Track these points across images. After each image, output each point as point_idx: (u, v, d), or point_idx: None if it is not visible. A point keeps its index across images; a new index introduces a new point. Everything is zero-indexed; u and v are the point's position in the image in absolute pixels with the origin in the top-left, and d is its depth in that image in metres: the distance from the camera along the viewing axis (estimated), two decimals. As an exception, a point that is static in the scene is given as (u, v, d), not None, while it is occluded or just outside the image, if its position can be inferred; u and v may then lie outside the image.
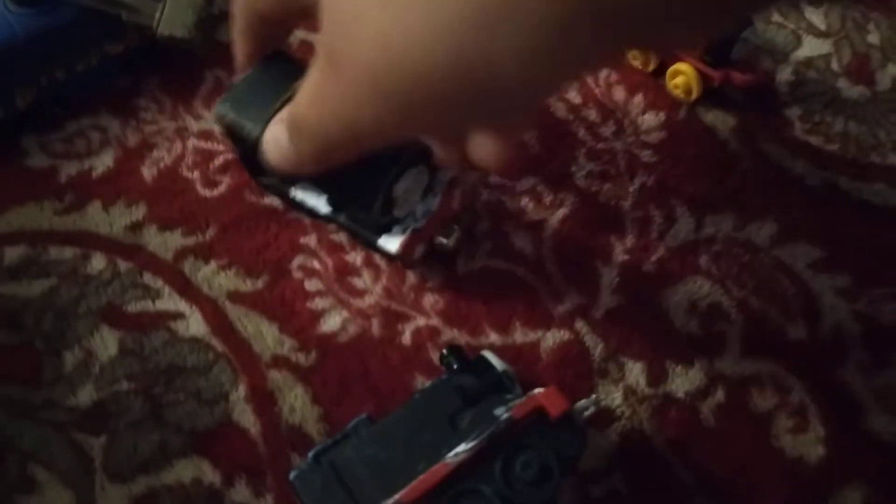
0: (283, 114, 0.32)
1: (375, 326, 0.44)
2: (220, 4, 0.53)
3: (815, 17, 0.55)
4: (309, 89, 0.28)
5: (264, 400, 0.42)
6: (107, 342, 0.44)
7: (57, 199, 0.48)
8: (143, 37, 0.50)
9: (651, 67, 0.52)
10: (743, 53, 0.48)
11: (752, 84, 0.49)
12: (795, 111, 0.51)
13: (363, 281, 0.45)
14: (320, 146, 0.29)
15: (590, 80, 0.52)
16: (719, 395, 0.42)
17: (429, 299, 0.45)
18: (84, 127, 0.51)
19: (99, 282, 0.45)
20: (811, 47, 0.53)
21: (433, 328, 0.44)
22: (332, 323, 0.44)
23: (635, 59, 0.52)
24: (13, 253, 0.47)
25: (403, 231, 0.41)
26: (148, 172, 0.49)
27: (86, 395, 0.42)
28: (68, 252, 0.47)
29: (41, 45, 0.47)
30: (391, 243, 0.41)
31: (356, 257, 0.46)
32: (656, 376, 0.43)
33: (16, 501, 0.40)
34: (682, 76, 0.50)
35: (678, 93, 0.51)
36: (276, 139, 0.32)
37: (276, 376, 0.43)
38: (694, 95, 0.50)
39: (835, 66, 0.53)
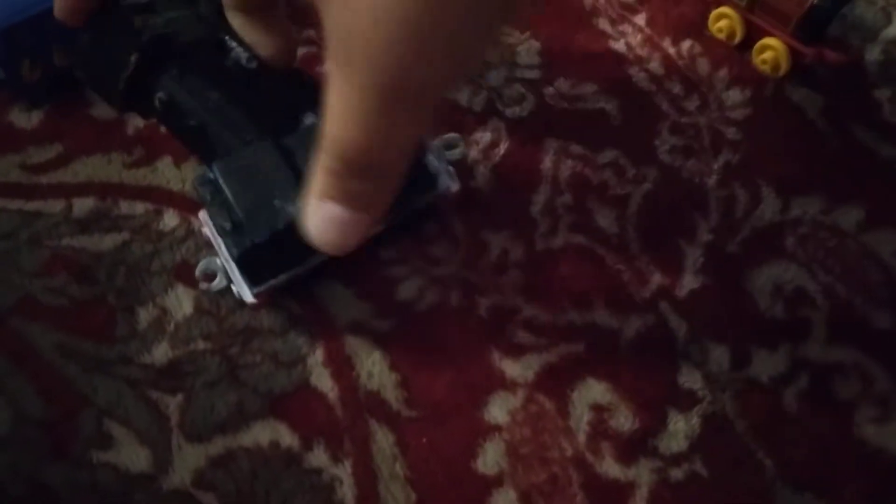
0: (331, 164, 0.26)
1: (454, 297, 0.43)
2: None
3: (906, -6, 0.53)
4: (356, 117, 0.24)
5: (342, 364, 0.42)
6: (181, 300, 0.43)
7: (125, 152, 0.48)
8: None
9: (737, 40, 0.50)
10: (838, 31, 0.47)
11: (845, 63, 0.47)
12: (885, 92, 0.49)
13: (439, 249, 0.45)
14: (386, 157, 0.26)
15: (673, 51, 0.51)
16: (802, 381, 0.41)
17: (508, 274, 0.44)
18: (152, 78, 0.50)
19: (172, 239, 0.45)
20: (902, 26, 0.52)
21: (513, 304, 0.43)
22: (409, 290, 0.43)
23: (720, 32, 0.50)
24: (82, 205, 0.46)
25: None
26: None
27: (161, 353, 0.42)
28: (139, 207, 0.46)
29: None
30: None
31: (431, 227, 0.45)
32: (739, 360, 0.42)
33: (92, 457, 0.39)
34: (771, 51, 0.48)
35: (765, 68, 0.49)
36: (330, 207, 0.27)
37: (353, 341, 0.42)
38: (782, 72, 0.49)
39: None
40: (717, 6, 0.50)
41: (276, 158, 0.39)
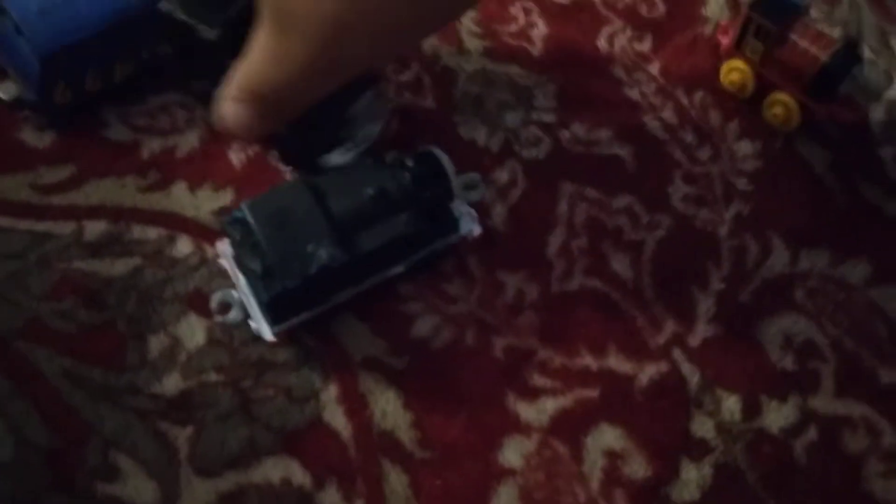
0: (237, 91, 0.32)
1: (469, 336, 0.43)
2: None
3: (909, 57, 0.55)
4: (267, 57, 0.30)
5: (356, 402, 0.41)
6: (194, 330, 0.42)
7: (140, 176, 0.47)
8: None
9: (747, 93, 0.51)
10: (848, 89, 0.48)
11: (854, 121, 0.49)
12: (888, 151, 0.51)
13: (455, 288, 0.45)
14: (289, 102, 0.32)
15: (686, 101, 0.52)
16: (812, 433, 0.42)
17: (523, 316, 0.44)
18: (168, 103, 0.49)
19: (186, 266, 0.44)
20: (905, 87, 0.53)
21: (528, 346, 0.43)
22: (424, 328, 0.43)
23: (732, 85, 0.52)
24: (94, 228, 0.45)
25: (347, 151, 0.42)
26: (236, 157, 0.48)
27: (171, 384, 0.41)
28: (153, 232, 0.45)
29: (153, 18, 0.46)
30: (337, 159, 0.43)
31: (447, 265, 0.45)
32: (751, 410, 0.42)
33: (97, 489, 0.38)
34: (781, 106, 0.50)
35: (775, 122, 0.50)
36: (236, 115, 0.32)
37: (367, 378, 0.42)
38: (792, 126, 0.50)
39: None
40: (730, 59, 0.51)
41: (310, 200, 0.39)
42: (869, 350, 0.44)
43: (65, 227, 0.45)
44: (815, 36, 0.48)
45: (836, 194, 0.49)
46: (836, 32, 0.55)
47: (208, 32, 0.40)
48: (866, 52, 0.55)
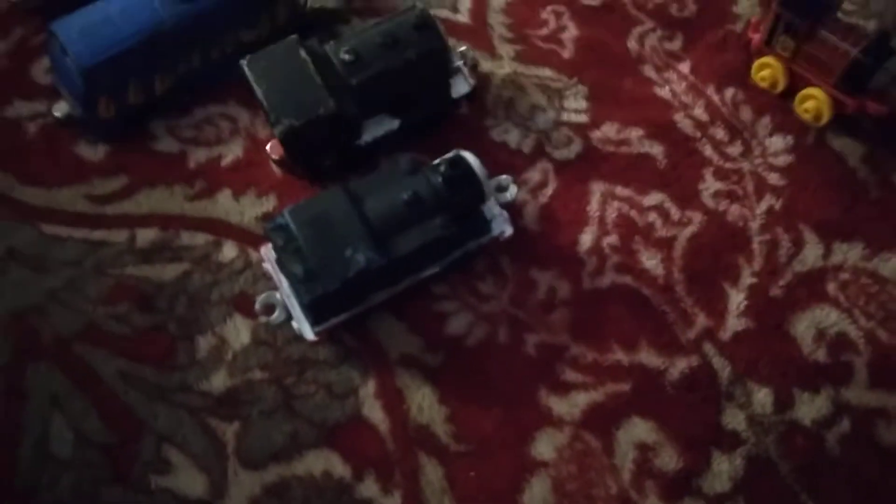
0: None
1: (502, 333, 0.44)
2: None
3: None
4: None
5: (393, 397, 0.43)
6: (240, 330, 0.44)
7: (187, 185, 0.49)
8: (276, 24, 0.51)
9: (779, 89, 0.51)
10: (880, 83, 0.48)
11: (886, 114, 0.48)
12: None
13: (488, 286, 0.46)
14: None
15: (716, 98, 0.52)
16: (845, 424, 0.42)
17: (555, 313, 0.45)
18: (212, 115, 0.52)
19: (231, 270, 0.46)
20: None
21: (560, 342, 0.44)
22: (458, 325, 0.45)
23: (763, 81, 0.52)
24: (145, 235, 0.48)
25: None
26: (277, 168, 0.49)
27: (219, 382, 0.43)
28: (200, 238, 0.47)
29: (184, 32, 0.48)
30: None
31: (480, 264, 0.46)
32: (783, 402, 0.43)
33: (151, 481, 0.41)
34: (813, 101, 0.50)
35: (807, 117, 0.50)
36: None
37: (403, 374, 0.43)
38: (823, 121, 0.50)
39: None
40: (761, 56, 0.52)
41: (348, 206, 0.40)
42: (904, 342, 0.44)
43: (118, 235, 0.48)
44: (846, 31, 0.48)
45: (870, 187, 0.49)
46: (870, 25, 0.55)
47: (274, 127, 0.43)
48: (902, 43, 0.55)
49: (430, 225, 0.41)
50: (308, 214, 0.40)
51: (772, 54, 0.51)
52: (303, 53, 0.43)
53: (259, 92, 0.42)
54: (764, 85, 0.52)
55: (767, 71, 0.51)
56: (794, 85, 0.51)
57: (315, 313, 0.41)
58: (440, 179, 0.41)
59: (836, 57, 0.48)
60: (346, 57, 0.44)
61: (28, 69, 0.54)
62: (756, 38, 0.52)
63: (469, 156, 0.43)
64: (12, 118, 0.52)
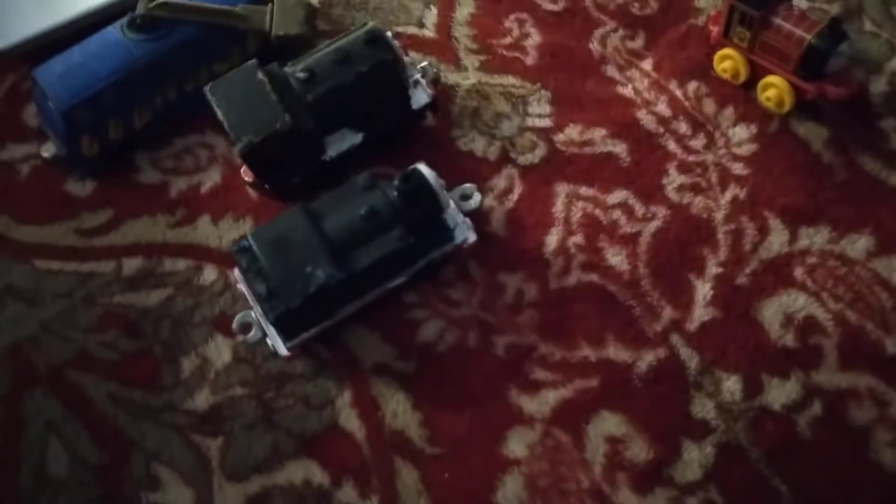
0: None
1: (472, 338, 0.46)
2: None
3: (910, 24, 0.54)
4: None
5: (368, 405, 0.44)
6: (221, 350, 0.46)
7: (169, 213, 0.52)
8: (246, 53, 0.53)
9: (741, 80, 0.52)
10: (837, 67, 0.48)
11: (846, 97, 0.49)
12: (891, 122, 0.50)
13: (457, 292, 0.47)
14: None
15: (679, 93, 0.53)
16: (816, 408, 0.42)
17: (523, 314, 0.46)
18: (191, 144, 0.54)
19: (211, 292, 0.48)
20: (907, 56, 0.53)
21: (528, 343, 0.45)
22: (429, 332, 0.46)
23: (725, 73, 0.52)
24: (131, 264, 0.50)
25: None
26: (252, 190, 0.51)
27: (203, 400, 0.45)
28: (182, 264, 0.50)
29: (157, 68, 0.50)
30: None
31: (449, 271, 0.48)
32: (752, 389, 0.43)
33: (142, 498, 0.43)
34: (774, 89, 0.50)
35: (770, 105, 0.51)
36: None
37: (378, 382, 0.45)
38: (786, 108, 0.50)
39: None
40: (721, 48, 0.52)
41: (306, 225, 0.42)
42: (873, 321, 0.44)
43: (106, 266, 0.50)
44: (799, 18, 0.49)
45: (836, 170, 0.49)
46: (834, 9, 0.55)
47: (235, 145, 0.45)
48: (868, 25, 0.55)
49: (388, 238, 0.42)
50: (269, 235, 0.42)
51: (731, 46, 0.52)
52: (260, 75, 0.45)
53: (220, 114, 0.45)
54: (726, 76, 0.53)
55: (728, 62, 0.52)
56: (755, 74, 0.51)
57: (284, 329, 0.43)
58: (395, 194, 0.43)
59: (791, 44, 0.48)
60: (301, 75, 0.46)
61: (19, 113, 0.57)
62: (715, 30, 0.52)
63: (425, 169, 0.44)
64: (6, 161, 0.55)
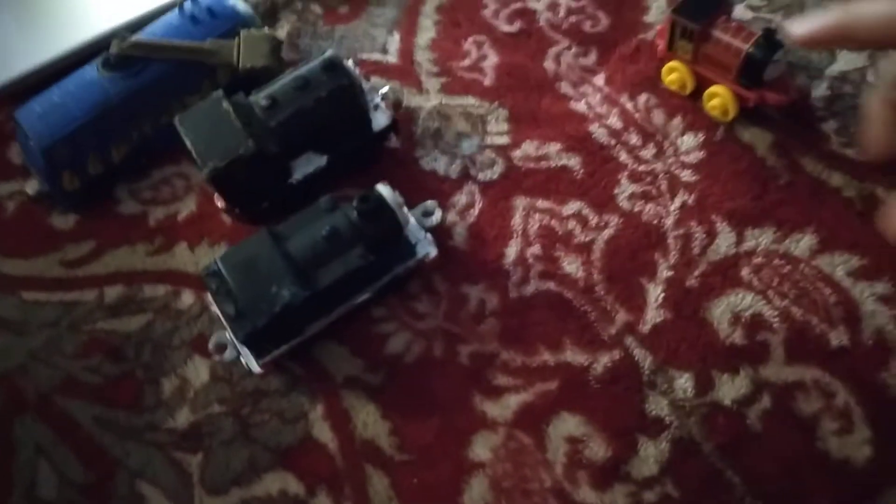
0: None
1: (437, 348, 0.48)
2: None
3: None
4: None
5: (340, 417, 0.46)
6: (199, 370, 0.49)
7: (148, 242, 0.54)
8: (217, 85, 0.55)
9: (688, 90, 0.54)
10: (775, 74, 0.50)
11: (786, 103, 0.51)
12: (832, 125, 0.52)
13: (423, 305, 0.49)
14: None
15: (630, 106, 0.55)
16: (765, 401, 0.44)
17: (486, 323, 0.48)
18: (168, 175, 0.57)
19: (189, 315, 0.51)
20: (846, 61, 0.55)
21: (491, 350, 0.47)
22: (397, 345, 0.48)
23: (673, 84, 0.55)
24: (112, 292, 0.52)
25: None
26: (226, 216, 0.54)
27: (183, 418, 0.47)
28: (161, 289, 0.52)
29: (132, 104, 0.53)
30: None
31: (415, 285, 0.50)
32: (703, 385, 0.45)
33: (127, 514, 0.45)
34: (718, 98, 0.52)
35: (715, 114, 0.53)
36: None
37: (349, 395, 0.47)
38: (730, 116, 0.53)
39: (871, 78, 0.54)
40: (668, 60, 0.55)
41: (271, 247, 0.44)
42: (817, 315, 0.46)
43: (89, 295, 0.52)
44: (737, 29, 0.51)
45: (780, 172, 0.51)
46: (777, 17, 0.58)
47: (203, 170, 0.47)
48: (810, 32, 0.57)
49: (350, 256, 0.44)
50: (236, 259, 0.44)
51: (676, 58, 0.54)
52: (226, 105, 0.48)
53: (188, 142, 0.47)
54: (674, 88, 0.55)
55: (675, 74, 0.54)
56: (701, 85, 0.54)
57: (254, 348, 0.45)
58: (355, 214, 0.45)
59: (730, 55, 0.51)
60: (264, 102, 0.48)
61: (4, 152, 0.60)
62: (661, 44, 0.55)
63: (383, 188, 0.46)
64: (-7, 199, 0.57)
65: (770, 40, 0.50)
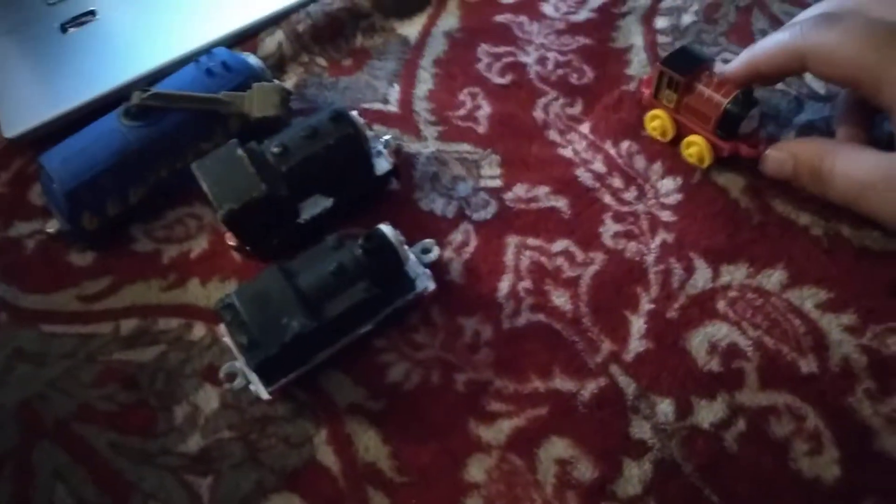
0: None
1: (435, 376, 0.51)
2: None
3: (816, 83, 0.61)
4: None
5: (343, 442, 0.49)
6: (209, 398, 0.52)
7: (162, 278, 0.57)
8: (229, 133, 0.59)
9: (668, 137, 0.58)
10: (748, 129, 0.54)
11: (756, 156, 0.54)
12: (800, 169, 0.57)
13: (421, 336, 0.53)
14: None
15: (613, 152, 0.59)
16: (741, 424, 0.47)
17: (480, 353, 0.51)
18: (181, 215, 0.60)
19: (201, 347, 0.54)
20: (812, 111, 0.60)
21: (485, 378, 0.50)
22: (397, 374, 0.51)
23: (654, 131, 0.59)
24: (127, 325, 0.55)
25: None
26: (237, 254, 0.57)
27: (194, 443, 0.50)
28: (174, 322, 0.55)
29: (150, 151, 0.57)
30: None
31: (414, 318, 0.53)
32: (683, 410, 0.48)
33: (140, 535, 0.47)
34: (696, 146, 0.57)
35: (692, 161, 0.57)
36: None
37: (351, 421, 0.50)
38: (706, 163, 0.57)
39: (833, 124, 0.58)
40: (651, 108, 0.59)
41: (282, 282, 0.48)
42: (788, 345, 0.50)
43: (105, 328, 0.55)
44: (718, 85, 0.55)
45: (752, 213, 0.55)
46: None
47: (218, 212, 0.51)
48: (779, 84, 0.62)
49: (355, 290, 0.48)
50: (250, 292, 0.48)
51: (660, 107, 0.58)
52: (240, 152, 0.52)
53: (205, 186, 0.51)
54: (655, 134, 0.59)
55: (657, 122, 0.59)
56: (681, 133, 0.58)
57: (265, 375, 0.48)
58: (360, 251, 0.49)
59: (710, 108, 0.55)
60: (276, 150, 0.52)
61: (26, 194, 0.63)
62: (647, 93, 0.59)
63: (386, 228, 0.50)
64: (14, 237, 0.61)
65: (748, 97, 0.54)
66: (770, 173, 0.55)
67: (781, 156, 0.53)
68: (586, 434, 0.48)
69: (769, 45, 0.52)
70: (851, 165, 0.50)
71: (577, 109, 0.62)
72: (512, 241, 0.56)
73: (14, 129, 0.63)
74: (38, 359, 0.55)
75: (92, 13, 0.71)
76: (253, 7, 0.70)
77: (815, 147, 0.52)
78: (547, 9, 0.70)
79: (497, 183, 0.59)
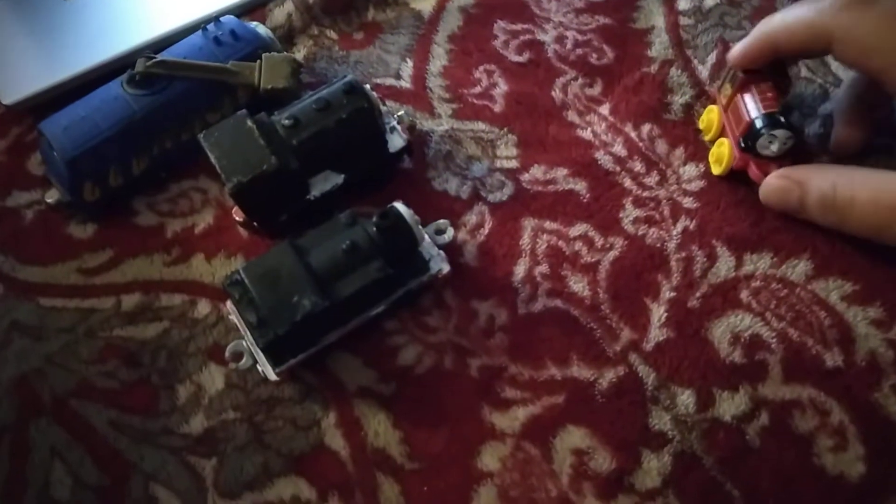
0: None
1: (448, 360, 0.49)
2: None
3: (841, 70, 0.60)
4: None
5: (352, 425, 0.48)
6: (214, 377, 0.50)
7: (165, 253, 0.55)
8: (237, 104, 0.57)
9: (710, 136, 0.55)
10: (768, 150, 0.50)
11: (758, 182, 0.51)
12: (823, 160, 0.55)
13: (434, 319, 0.51)
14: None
15: (634, 135, 0.58)
16: (763, 418, 0.46)
17: (495, 338, 0.50)
18: (186, 189, 0.58)
19: (205, 324, 0.52)
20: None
21: (499, 364, 0.49)
22: (408, 356, 0.50)
23: (702, 123, 0.56)
24: (129, 300, 0.54)
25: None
26: (243, 229, 0.55)
27: (197, 424, 0.48)
28: (177, 299, 0.53)
29: (155, 120, 0.55)
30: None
31: (426, 300, 0.52)
32: (704, 402, 0.47)
33: (140, 516, 0.46)
34: (721, 147, 0.53)
35: (711, 159, 0.55)
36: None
37: (360, 404, 0.48)
38: (721, 169, 0.53)
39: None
40: (712, 102, 0.56)
41: (293, 259, 0.46)
42: (813, 337, 0.48)
43: (106, 302, 0.53)
44: (764, 97, 0.51)
45: (776, 202, 0.53)
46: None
47: (226, 185, 0.49)
48: (804, 72, 0.60)
49: (368, 269, 0.46)
50: (259, 269, 0.46)
51: (716, 102, 0.55)
52: (249, 123, 0.50)
53: (213, 158, 0.49)
54: (702, 126, 0.56)
55: (712, 115, 0.55)
56: (722, 133, 0.55)
57: (273, 356, 0.47)
58: (374, 229, 0.47)
59: (744, 114, 0.51)
60: (287, 122, 0.50)
61: (24, 163, 0.61)
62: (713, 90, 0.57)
63: (401, 206, 0.48)
64: (12, 207, 0.59)
65: (776, 117, 0.50)
66: (771, 203, 0.50)
67: (785, 184, 0.49)
68: (604, 424, 0.47)
69: (791, 19, 0.48)
70: (879, 192, 0.45)
71: (596, 90, 0.61)
72: (528, 223, 0.54)
73: (12, 96, 0.61)
74: (36, 332, 0.53)
75: (95, -22, 0.68)
76: (263, -24, 0.67)
77: (824, 174, 0.48)
78: (566, -13, 0.68)
79: (513, 164, 0.57)
